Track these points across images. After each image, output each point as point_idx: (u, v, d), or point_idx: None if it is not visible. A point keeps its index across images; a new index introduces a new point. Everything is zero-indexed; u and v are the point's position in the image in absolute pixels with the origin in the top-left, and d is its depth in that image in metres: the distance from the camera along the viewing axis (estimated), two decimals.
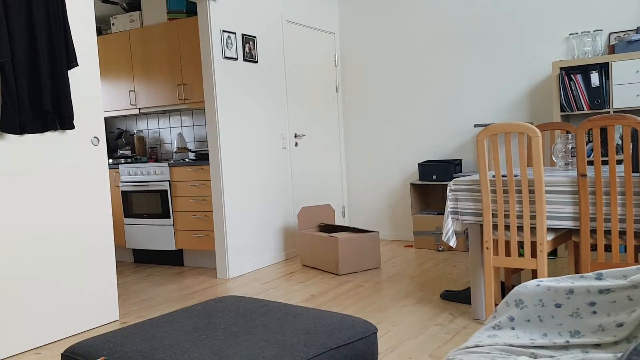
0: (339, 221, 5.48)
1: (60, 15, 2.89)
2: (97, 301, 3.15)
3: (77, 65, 2.98)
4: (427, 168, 4.78)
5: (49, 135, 2.92)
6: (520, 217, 2.63)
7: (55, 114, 2.89)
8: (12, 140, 2.75)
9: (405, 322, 2.90)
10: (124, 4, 5.04)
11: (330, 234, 4.16)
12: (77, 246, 3.06)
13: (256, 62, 4.42)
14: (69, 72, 2.98)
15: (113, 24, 5.02)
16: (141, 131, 5.44)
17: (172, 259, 4.76)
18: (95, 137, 3.17)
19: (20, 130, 2.74)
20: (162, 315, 1.86)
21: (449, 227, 2.84)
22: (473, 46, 4.82)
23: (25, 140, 2.81)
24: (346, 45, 5.50)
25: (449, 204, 2.86)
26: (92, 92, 3.14)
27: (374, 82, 5.36)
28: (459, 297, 3.18)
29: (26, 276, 2.80)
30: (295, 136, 4.92)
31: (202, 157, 4.56)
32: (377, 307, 3.19)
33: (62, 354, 1.62)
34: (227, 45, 4.13)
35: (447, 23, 4.93)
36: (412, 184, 4.89)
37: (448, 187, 2.87)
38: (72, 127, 2.97)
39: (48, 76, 2.83)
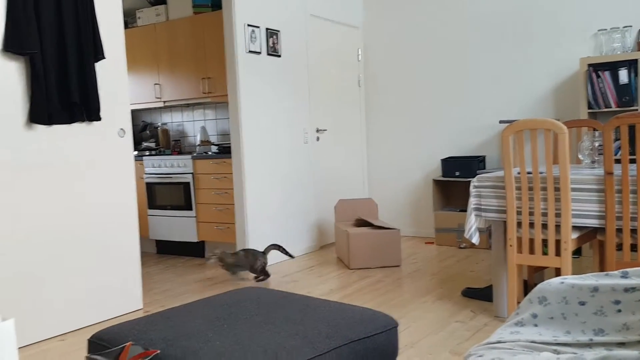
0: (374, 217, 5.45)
1: (88, 7, 2.94)
2: (121, 290, 3.21)
3: (104, 58, 3.03)
4: (450, 164, 4.74)
5: (77, 127, 2.98)
6: (544, 214, 2.60)
7: (82, 105, 2.94)
8: (40, 130, 2.82)
9: (425, 319, 2.89)
10: None
11: (349, 229, 4.16)
12: (103, 236, 3.12)
13: (279, 56, 4.44)
14: (96, 64, 3.03)
15: (139, 18, 5.08)
16: (165, 124, 5.51)
17: (194, 251, 4.82)
18: (121, 128, 3.22)
19: (49, 121, 2.80)
20: (184, 304, 1.89)
21: (472, 224, 2.82)
22: (499, 41, 4.76)
23: (53, 131, 2.87)
24: (370, 39, 5.47)
25: (473, 201, 2.83)
26: (119, 84, 3.20)
27: (397, 76, 5.33)
28: (481, 295, 3.16)
29: (53, 264, 2.87)
30: (317, 130, 4.93)
31: (225, 151, 4.60)
32: (397, 303, 3.19)
33: (88, 340, 1.66)
34: (251, 39, 4.16)
35: (473, 18, 4.87)
36: (434, 180, 4.86)
37: (472, 184, 2.84)
38: (98, 118, 3.02)
39: (76, 68, 2.89)
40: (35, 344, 2.79)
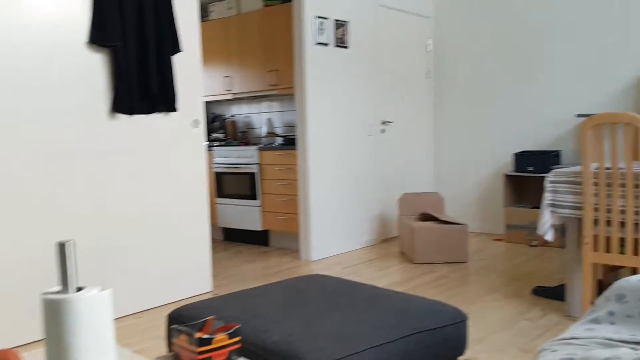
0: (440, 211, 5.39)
1: (167, 2, 3.07)
2: (192, 273, 3.35)
3: (181, 51, 3.16)
4: (524, 159, 4.58)
5: (155, 117, 3.13)
6: (623, 212, 2.47)
7: (161, 97, 3.09)
8: (122, 120, 2.98)
9: (493, 315, 2.83)
10: None
11: (414, 222, 4.12)
12: (177, 220, 3.26)
13: (347, 47, 4.45)
14: (173, 57, 3.16)
15: (211, 12, 5.24)
16: (233, 116, 5.67)
17: (258, 239, 4.94)
18: (195, 119, 3.35)
19: (130, 111, 2.96)
20: (254, 287, 1.96)
21: (546, 220, 2.72)
22: (576, 30, 4.53)
23: (133, 121, 3.03)
24: (440, 30, 5.37)
25: (547, 196, 2.73)
26: (194, 77, 3.32)
27: (468, 68, 5.20)
28: (552, 293, 3.05)
29: (130, 246, 3.04)
30: (383, 123, 4.90)
31: (290, 142, 4.67)
32: (463, 299, 3.13)
33: (168, 315, 1.76)
34: (319, 31, 4.19)
35: (549, 9, 4.67)
36: (505, 175, 4.71)
37: (547, 179, 2.74)
38: (175, 109, 3.16)
39: (155, 61, 3.03)
40: (114, 320, 2.96)
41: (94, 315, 0.91)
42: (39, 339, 2.67)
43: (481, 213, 5.21)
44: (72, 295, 0.90)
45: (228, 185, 4.96)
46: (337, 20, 4.34)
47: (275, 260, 4.26)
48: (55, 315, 0.89)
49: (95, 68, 2.85)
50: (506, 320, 2.74)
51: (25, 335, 2.63)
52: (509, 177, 4.74)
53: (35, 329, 2.66)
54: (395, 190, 5.06)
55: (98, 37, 2.80)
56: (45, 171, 2.67)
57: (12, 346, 2.60)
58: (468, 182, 5.27)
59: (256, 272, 3.93)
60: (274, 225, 4.66)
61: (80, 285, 0.97)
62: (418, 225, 4.03)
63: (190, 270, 3.34)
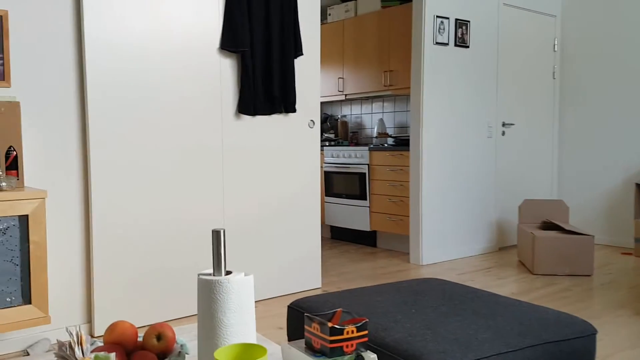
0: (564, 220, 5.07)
1: (292, 8, 3.20)
2: (304, 268, 3.46)
3: (303, 55, 3.28)
4: None
5: (275, 118, 3.28)
6: None
7: (282, 98, 3.23)
8: (246, 120, 3.16)
9: (621, 332, 2.62)
10: None
11: (535, 231, 3.92)
12: (291, 217, 3.39)
13: (467, 47, 4.34)
14: (294, 60, 3.29)
15: (329, 15, 5.37)
16: (345, 116, 5.76)
17: (365, 239, 4.98)
18: (311, 120, 3.45)
19: (254, 112, 3.13)
20: (371, 285, 1.98)
21: None
22: None
23: (256, 122, 3.20)
24: (568, 29, 5.05)
25: None
26: (312, 79, 3.43)
27: (597, 68, 4.84)
28: None
29: (248, 239, 3.21)
30: (503, 125, 4.71)
31: (401, 143, 4.65)
32: (587, 314, 2.93)
33: (288, 306, 1.84)
34: (439, 31, 4.13)
35: None
36: (636, 184, 4.32)
37: None
38: (294, 110, 3.28)
39: (278, 64, 3.17)
40: None
41: (241, 296, 0.99)
42: (184, 315, 2.92)
43: (608, 224, 4.81)
44: (223, 277, 0.98)
45: (337, 184, 5.05)
46: (458, 20, 4.25)
47: (383, 262, 4.27)
48: (208, 294, 0.98)
49: (225, 72, 3.05)
50: (635, 339, 2.52)
51: (172, 311, 2.88)
52: None
53: (176, 307, 2.90)
54: (513, 196, 4.84)
55: (229, 43, 2.99)
56: (181, 165, 2.91)
57: (164, 320, 2.86)
58: (594, 190, 4.90)
59: (364, 272, 3.96)
60: (382, 226, 4.67)
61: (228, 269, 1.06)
62: (540, 234, 3.82)
63: (301, 266, 3.45)
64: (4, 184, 2.16)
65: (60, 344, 0.95)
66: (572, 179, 5.08)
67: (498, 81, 4.63)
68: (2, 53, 2.38)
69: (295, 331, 1.83)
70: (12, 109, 2.30)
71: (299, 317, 1.80)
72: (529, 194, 4.96)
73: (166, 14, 2.82)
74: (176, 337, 1.27)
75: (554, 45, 5.10)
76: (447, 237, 4.33)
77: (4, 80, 2.39)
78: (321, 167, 5.24)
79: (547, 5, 4.97)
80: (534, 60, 4.95)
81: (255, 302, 3.25)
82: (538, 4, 4.89)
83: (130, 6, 2.70)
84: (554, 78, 5.12)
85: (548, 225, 4.14)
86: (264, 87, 3.16)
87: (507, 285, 3.57)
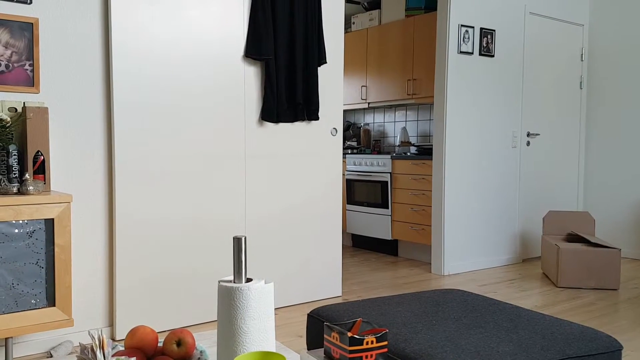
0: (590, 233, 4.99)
1: (316, 17, 3.22)
2: (324, 276, 3.45)
3: (326, 63, 3.29)
4: None
5: (298, 125, 3.29)
6: None
7: (305, 106, 3.24)
8: (268, 127, 3.18)
9: None
10: (365, 3, 5.36)
11: (560, 243, 3.84)
12: (312, 224, 3.39)
13: (492, 56, 4.30)
14: (318, 68, 3.30)
15: (353, 23, 5.38)
16: (367, 124, 5.75)
17: (387, 248, 4.94)
18: (334, 128, 3.46)
19: (277, 119, 3.15)
20: (392, 295, 1.96)
21: None
22: None
23: (278, 128, 3.21)
24: (596, 38, 4.97)
25: None
26: (335, 87, 3.44)
27: (626, 78, 4.75)
28: None
29: (269, 245, 3.22)
30: (528, 135, 4.65)
31: (424, 152, 4.62)
32: (612, 329, 2.85)
33: (308, 315, 1.83)
34: (463, 40, 4.10)
35: None
36: None
37: None
38: (317, 118, 3.29)
39: (302, 72, 3.19)
40: None
41: (261, 303, 0.99)
42: (205, 321, 2.94)
43: (636, 237, 4.69)
44: (243, 285, 0.98)
45: (359, 192, 5.04)
46: (483, 29, 4.21)
47: (404, 271, 4.23)
48: (228, 301, 0.98)
49: (248, 79, 3.07)
50: None
51: (193, 317, 2.90)
52: None
53: (197, 312, 2.92)
54: (538, 207, 4.76)
55: (253, 51, 3.02)
56: (204, 171, 2.94)
57: (184, 325, 2.88)
58: (622, 202, 4.79)
59: (385, 281, 3.93)
60: (404, 235, 4.64)
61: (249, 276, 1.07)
62: (565, 246, 3.74)
63: (322, 274, 3.44)
64: (31, 187, 2.21)
65: (83, 347, 0.97)
66: (598, 191, 4.98)
67: (523, 91, 4.57)
68: (32, 59, 2.44)
69: (314, 340, 1.82)
70: (40, 115, 2.35)
71: (319, 325, 1.79)
72: (553, 205, 4.87)
73: (191, 22, 2.86)
74: (196, 343, 1.28)
75: (582, 54, 5.02)
76: (469, 247, 4.27)
77: (33, 86, 2.45)
78: (343, 175, 5.23)
79: (574, 14, 4.90)
80: (560, 69, 4.88)
81: (275, 309, 3.25)
82: (565, 13, 4.83)
83: (156, 14, 2.75)
84: (581, 88, 5.03)
85: (573, 238, 4.06)
86: (287, 95, 3.18)
87: (530, 297, 3.50)
